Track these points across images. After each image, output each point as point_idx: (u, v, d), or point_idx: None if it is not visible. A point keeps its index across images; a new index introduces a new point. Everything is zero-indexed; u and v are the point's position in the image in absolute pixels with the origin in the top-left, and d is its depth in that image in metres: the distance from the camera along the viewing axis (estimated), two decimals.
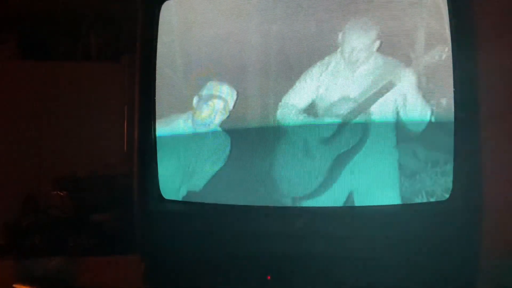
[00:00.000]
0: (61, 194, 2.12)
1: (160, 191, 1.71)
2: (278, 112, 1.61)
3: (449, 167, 1.45)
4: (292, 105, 1.60)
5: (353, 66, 1.54)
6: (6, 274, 1.72)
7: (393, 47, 1.50)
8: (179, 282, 1.67)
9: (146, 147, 1.76)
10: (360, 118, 1.53)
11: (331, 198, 1.56)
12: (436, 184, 1.47)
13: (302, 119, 1.59)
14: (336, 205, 1.55)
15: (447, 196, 1.45)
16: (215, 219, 1.66)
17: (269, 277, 1.57)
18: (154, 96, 1.77)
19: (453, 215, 1.45)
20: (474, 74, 1.42)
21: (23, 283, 1.67)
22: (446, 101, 1.45)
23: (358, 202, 1.54)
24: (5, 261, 1.82)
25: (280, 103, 1.61)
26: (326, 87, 1.57)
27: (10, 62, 2.35)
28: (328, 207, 1.56)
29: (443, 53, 1.45)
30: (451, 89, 1.44)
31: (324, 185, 1.55)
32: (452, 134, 1.44)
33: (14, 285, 1.66)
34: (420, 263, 1.47)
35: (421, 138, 1.48)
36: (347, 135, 1.54)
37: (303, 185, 1.58)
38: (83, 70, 2.38)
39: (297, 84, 1.60)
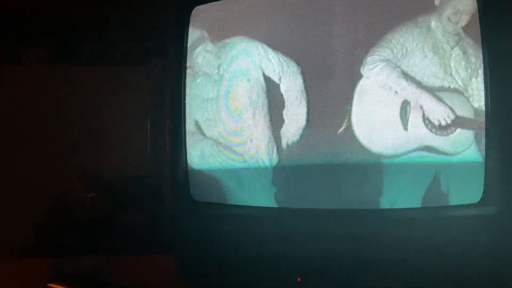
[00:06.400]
0: (90, 196, 2.15)
1: (190, 193, 1.74)
2: None
3: None
4: None
5: None
6: (42, 273, 1.75)
7: None
8: (209, 282, 1.69)
9: (176, 149, 1.79)
10: None
11: (362, 200, 1.58)
12: None
13: None
14: (366, 208, 1.56)
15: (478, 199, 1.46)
16: (244, 221, 1.67)
17: (299, 279, 1.59)
18: (184, 99, 1.80)
19: (484, 218, 1.45)
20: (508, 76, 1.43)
21: (58, 282, 1.70)
22: None
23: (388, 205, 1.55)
24: (40, 261, 1.86)
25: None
26: None
27: (40, 66, 2.38)
28: (358, 210, 1.57)
29: None
30: None
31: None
32: None
33: (49, 284, 1.69)
34: (450, 265, 1.48)
35: None
36: None
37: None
38: (110, 73, 2.41)
39: None
